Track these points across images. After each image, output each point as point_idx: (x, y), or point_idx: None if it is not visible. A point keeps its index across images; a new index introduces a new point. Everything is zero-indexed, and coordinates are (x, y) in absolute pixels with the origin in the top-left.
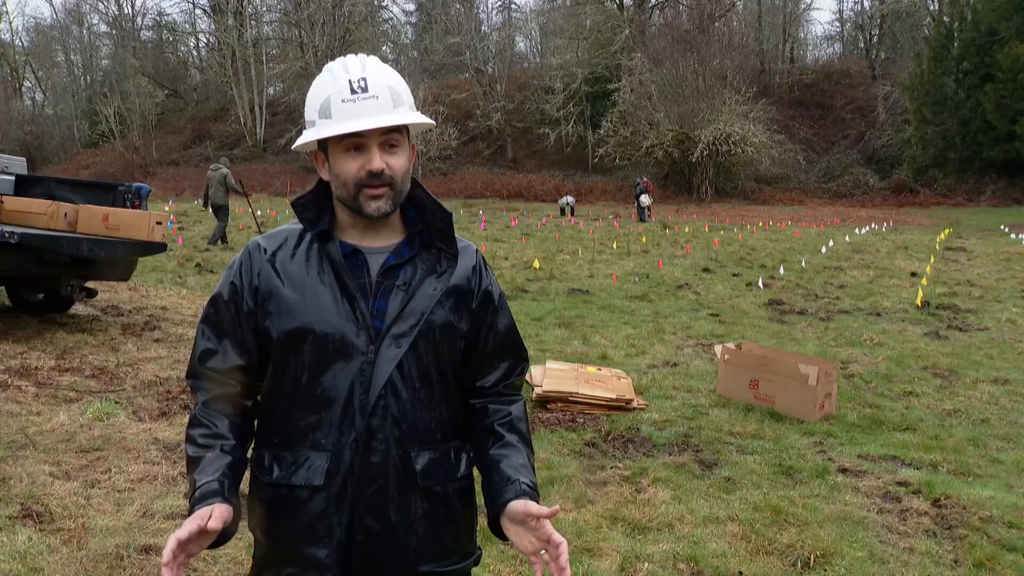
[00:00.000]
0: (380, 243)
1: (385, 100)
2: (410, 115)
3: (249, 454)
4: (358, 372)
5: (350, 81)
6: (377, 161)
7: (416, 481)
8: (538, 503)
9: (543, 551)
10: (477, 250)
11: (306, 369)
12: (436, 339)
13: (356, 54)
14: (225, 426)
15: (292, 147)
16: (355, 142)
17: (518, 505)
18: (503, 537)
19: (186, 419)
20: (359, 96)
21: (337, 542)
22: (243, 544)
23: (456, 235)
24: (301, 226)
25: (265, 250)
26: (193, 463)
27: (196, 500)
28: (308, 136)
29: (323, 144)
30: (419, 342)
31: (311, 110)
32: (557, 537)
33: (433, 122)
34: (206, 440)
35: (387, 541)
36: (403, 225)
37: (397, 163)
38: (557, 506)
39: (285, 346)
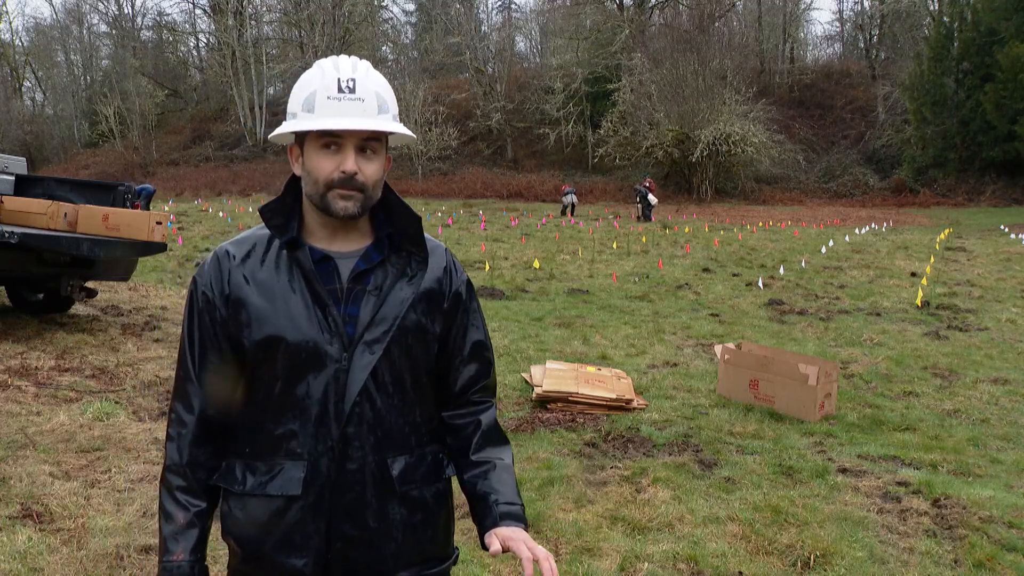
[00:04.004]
0: (350, 247)
1: (371, 104)
2: (393, 124)
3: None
4: (332, 380)
5: (339, 80)
6: (351, 163)
7: (393, 487)
8: (520, 517)
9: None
10: (447, 250)
11: (279, 378)
12: (409, 343)
13: (350, 56)
14: (202, 480)
15: (269, 136)
16: (333, 141)
17: (488, 540)
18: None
19: None
20: (345, 96)
21: (315, 551)
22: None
23: (426, 236)
24: (269, 231)
25: (233, 257)
26: (167, 517)
27: (166, 574)
28: (287, 127)
29: (300, 139)
30: (392, 347)
31: (295, 102)
32: (540, 551)
33: (415, 136)
34: (184, 497)
35: (365, 548)
36: (372, 228)
37: (371, 170)
38: (500, 549)
39: (257, 356)
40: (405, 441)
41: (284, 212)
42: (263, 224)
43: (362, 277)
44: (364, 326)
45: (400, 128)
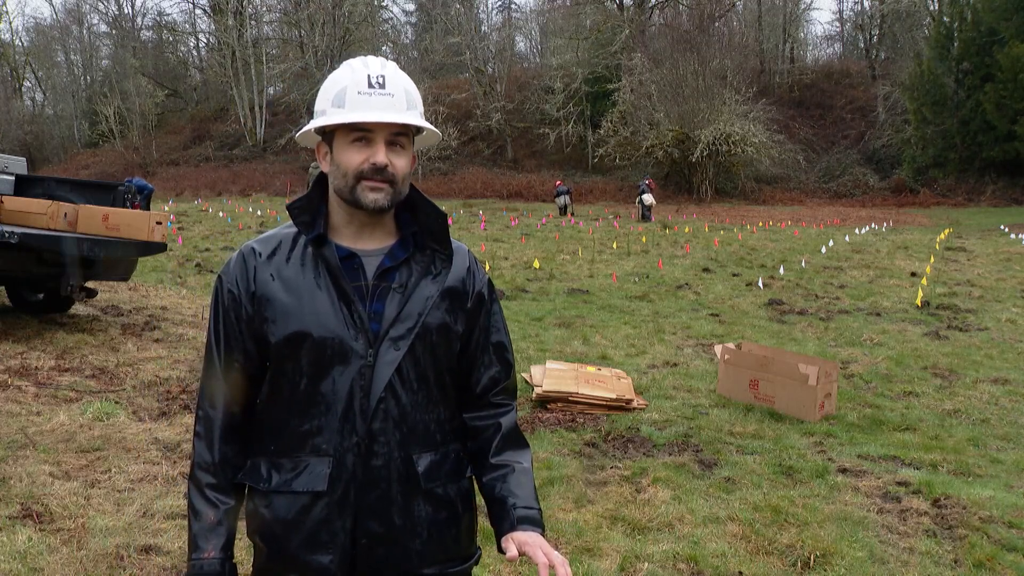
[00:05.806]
0: (375, 245)
1: (400, 100)
2: (421, 120)
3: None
4: (357, 376)
5: (369, 76)
6: (382, 155)
7: (419, 484)
8: (537, 521)
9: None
10: (469, 251)
11: (304, 374)
12: (433, 341)
13: (376, 56)
14: (230, 478)
15: (296, 135)
16: (363, 135)
17: (505, 544)
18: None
19: (187, 419)
20: (376, 91)
21: (341, 548)
22: (243, 544)
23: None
24: (294, 230)
25: (259, 254)
26: (197, 515)
27: (196, 571)
28: (317, 123)
29: (329, 136)
30: (417, 344)
31: (324, 100)
32: (556, 557)
33: (440, 134)
34: (214, 495)
35: (391, 545)
36: (396, 227)
37: (400, 163)
38: (516, 554)
39: (282, 352)
40: (430, 438)
41: (311, 210)
42: (288, 223)
43: (387, 274)
44: (389, 323)
45: (428, 125)
